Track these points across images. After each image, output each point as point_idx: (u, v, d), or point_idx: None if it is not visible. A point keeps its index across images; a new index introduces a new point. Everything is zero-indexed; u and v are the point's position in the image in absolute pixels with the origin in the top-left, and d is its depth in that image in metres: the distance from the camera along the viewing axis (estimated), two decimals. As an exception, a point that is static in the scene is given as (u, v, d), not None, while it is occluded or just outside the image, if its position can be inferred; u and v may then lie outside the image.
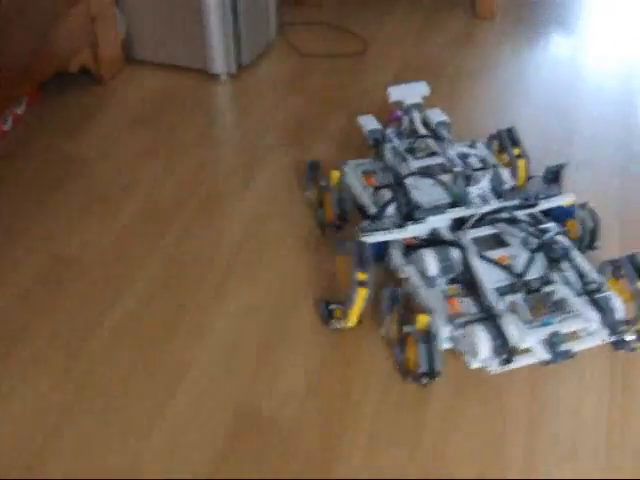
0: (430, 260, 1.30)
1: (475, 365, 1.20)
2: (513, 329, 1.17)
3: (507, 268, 1.31)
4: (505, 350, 1.17)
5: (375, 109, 1.73)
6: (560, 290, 1.27)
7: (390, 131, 1.59)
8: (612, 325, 1.23)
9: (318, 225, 1.55)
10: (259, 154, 1.78)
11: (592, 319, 1.23)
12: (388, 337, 1.31)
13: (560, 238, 1.35)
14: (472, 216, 1.38)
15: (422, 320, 1.21)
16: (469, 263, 1.29)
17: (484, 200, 1.42)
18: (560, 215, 1.46)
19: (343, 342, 1.33)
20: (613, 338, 1.25)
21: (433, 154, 1.56)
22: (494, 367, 1.19)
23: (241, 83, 2.06)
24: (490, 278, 1.28)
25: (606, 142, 1.82)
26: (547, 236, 1.35)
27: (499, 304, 1.23)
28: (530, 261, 1.30)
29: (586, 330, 1.24)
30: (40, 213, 1.60)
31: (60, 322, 1.37)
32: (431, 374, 1.20)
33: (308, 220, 1.56)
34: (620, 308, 1.24)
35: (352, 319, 1.30)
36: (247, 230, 1.57)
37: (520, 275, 1.29)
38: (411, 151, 1.56)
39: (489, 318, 1.20)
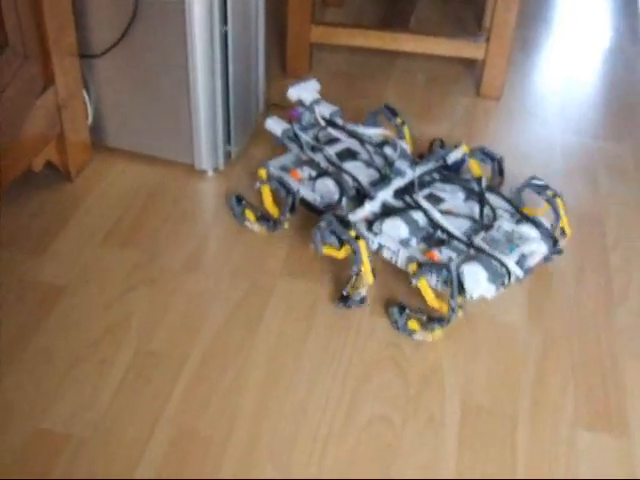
0: (399, 224, 1.53)
1: (476, 296, 1.47)
2: (504, 257, 1.46)
3: (465, 216, 1.58)
4: (502, 275, 1.45)
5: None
6: (505, 223, 1.59)
7: (296, 127, 1.76)
8: (549, 238, 1.58)
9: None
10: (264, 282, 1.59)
11: (537, 239, 1.56)
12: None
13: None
14: (413, 182, 1.63)
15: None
16: (434, 219, 1.55)
17: (408, 168, 1.68)
18: (457, 165, 1.77)
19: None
20: (550, 250, 1.60)
21: (334, 140, 1.78)
22: (491, 293, 1.47)
23: (229, 178, 1.86)
24: (455, 226, 1.55)
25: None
26: (482, 186, 1.64)
27: (474, 243, 1.51)
28: (482, 207, 1.59)
29: (531, 248, 1.58)
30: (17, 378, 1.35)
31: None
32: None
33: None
34: (548, 224, 1.60)
35: (368, 276, 1.49)
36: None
37: (475, 220, 1.57)
38: (317, 141, 1.76)
39: (475, 256, 1.47)
